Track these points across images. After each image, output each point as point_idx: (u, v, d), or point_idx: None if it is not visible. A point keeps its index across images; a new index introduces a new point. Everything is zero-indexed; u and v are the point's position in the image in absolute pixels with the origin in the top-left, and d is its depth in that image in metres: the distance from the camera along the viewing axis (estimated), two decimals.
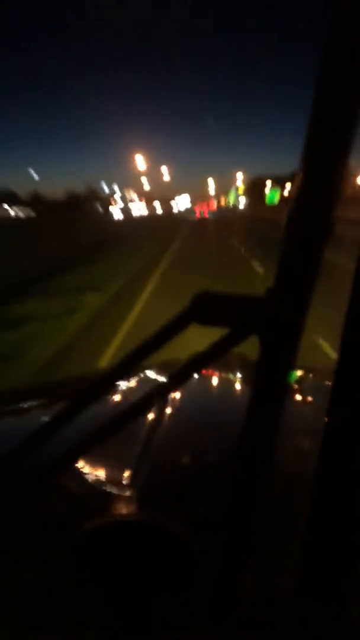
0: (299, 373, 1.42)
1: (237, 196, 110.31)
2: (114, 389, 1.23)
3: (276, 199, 77.37)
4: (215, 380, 1.47)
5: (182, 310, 0.43)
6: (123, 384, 1.32)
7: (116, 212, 45.61)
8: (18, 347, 5.05)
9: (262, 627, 0.56)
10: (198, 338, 0.61)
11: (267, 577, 0.61)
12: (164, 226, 34.93)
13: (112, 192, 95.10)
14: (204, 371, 1.35)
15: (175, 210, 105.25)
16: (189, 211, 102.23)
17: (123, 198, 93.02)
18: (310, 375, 1.46)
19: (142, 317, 6.17)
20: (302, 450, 0.81)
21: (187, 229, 32.04)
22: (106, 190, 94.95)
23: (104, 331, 5.65)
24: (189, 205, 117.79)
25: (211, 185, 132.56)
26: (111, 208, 55.08)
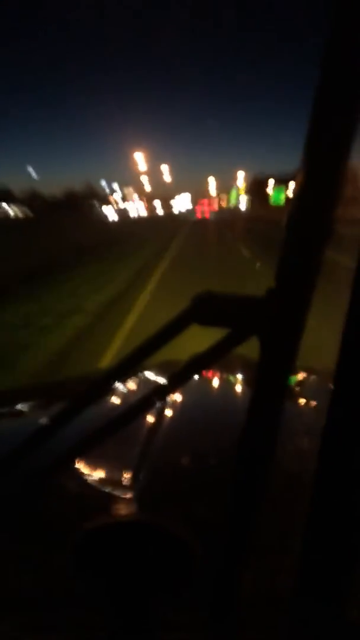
0: (299, 373, 1.42)
1: (238, 196, 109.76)
2: (114, 390, 1.23)
3: (282, 199, 70.50)
4: (215, 381, 1.46)
5: (182, 310, 0.42)
6: (123, 385, 1.32)
7: (110, 213, 43.63)
8: None
9: (262, 627, 0.56)
10: (198, 338, 0.60)
11: (267, 577, 0.60)
12: (166, 228, 33.85)
13: (112, 191, 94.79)
14: (204, 372, 1.35)
15: (175, 211, 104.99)
16: (190, 212, 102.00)
17: (123, 197, 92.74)
18: (311, 375, 1.46)
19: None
20: (302, 451, 0.81)
21: (188, 229, 31.44)
22: (106, 189, 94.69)
23: None
24: (189, 206, 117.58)
25: (212, 184, 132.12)
26: (104, 208, 53.24)
